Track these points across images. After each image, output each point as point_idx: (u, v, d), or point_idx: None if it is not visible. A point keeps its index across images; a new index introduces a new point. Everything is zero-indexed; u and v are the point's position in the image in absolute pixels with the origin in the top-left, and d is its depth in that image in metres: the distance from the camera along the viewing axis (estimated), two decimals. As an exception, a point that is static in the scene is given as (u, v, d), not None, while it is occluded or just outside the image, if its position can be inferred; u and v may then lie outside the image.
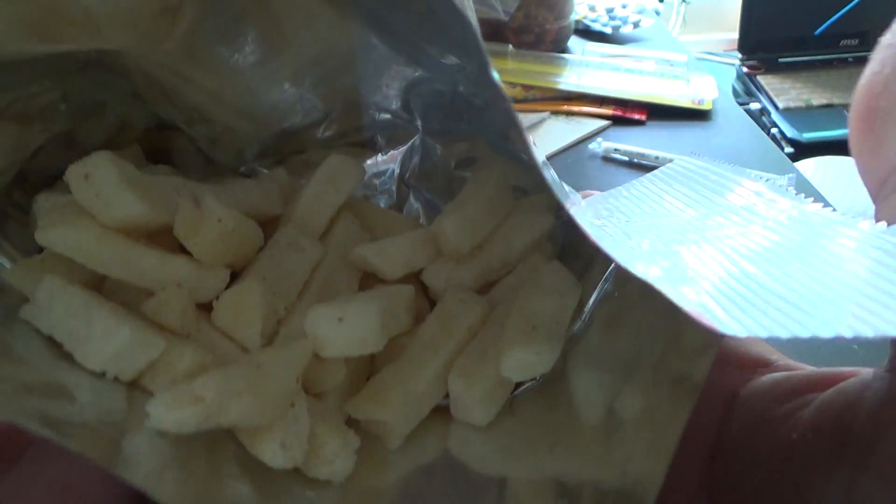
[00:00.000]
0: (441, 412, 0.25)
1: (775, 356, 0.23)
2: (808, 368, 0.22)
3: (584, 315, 0.27)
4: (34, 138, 0.27)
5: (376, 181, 0.36)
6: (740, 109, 0.82)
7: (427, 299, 0.29)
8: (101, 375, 0.21)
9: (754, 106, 1.11)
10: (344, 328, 0.23)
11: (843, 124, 1.01)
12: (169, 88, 0.29)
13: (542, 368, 0.24)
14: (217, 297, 0.25)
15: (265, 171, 0.34)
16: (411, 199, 0.35)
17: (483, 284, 0.29)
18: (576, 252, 0.30)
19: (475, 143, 0.34)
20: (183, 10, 0.25)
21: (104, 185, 0.22)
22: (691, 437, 0.23)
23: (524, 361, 0.24)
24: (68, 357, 0.22)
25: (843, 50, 1.13)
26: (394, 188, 0.35)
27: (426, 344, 0.25)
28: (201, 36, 0.27)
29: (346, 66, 0.31)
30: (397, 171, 0.36)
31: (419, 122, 0.35)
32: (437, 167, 0.35)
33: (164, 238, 0.25)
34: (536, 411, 0.25)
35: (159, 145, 0.33)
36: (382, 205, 0.35)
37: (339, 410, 0.25)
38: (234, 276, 0.26)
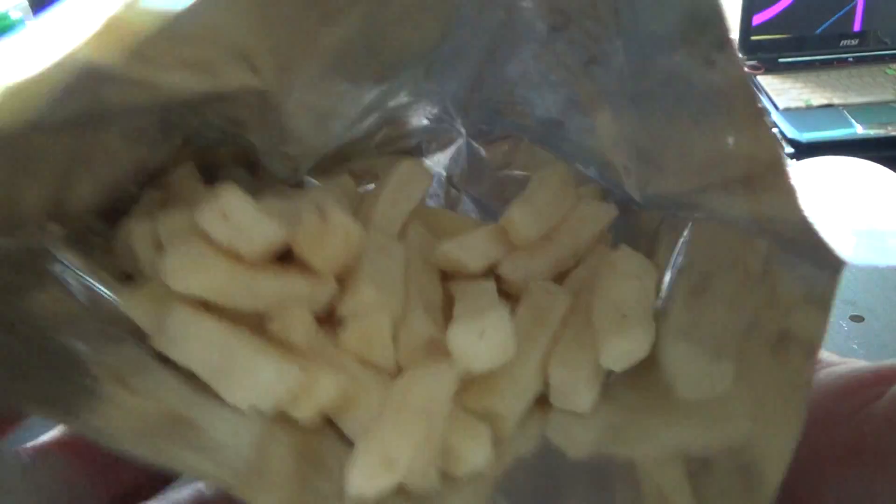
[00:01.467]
0: (536, 402, 0.26)
1: (821, 353, 0.22)
2: (864, 363, 0.20)
3: (663, 292, 0.27)
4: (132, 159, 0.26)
5: None
6: (741, 110, 0.82)
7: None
8: (241, 410, 0.22)
9: (755, 106, 1.11)
10: (486, 342, 0.23)
11: (843, 124, 1.01)
12: (280, 113, 0.28)
13: (642, 353, 0.25)
14: (336, 312, 0.25)
15: (313, 181, 0.34)
16: (463, 202, 0.36)
17: (556, 275, 0.30)
18: (636, 234, 0.30)
19: (518, 142, 0.35)
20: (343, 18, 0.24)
21: (243, 219, 0.23)
22: None
23: (623, 350, 0.25)
24: (205, 388, 0.22)
25: (843, 50, 1.13)
26: (442, 192, 0.36)
27: (524, 335, 0.26)
28: (339, 61, 0.26)
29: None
30: (444, 175, 0.36)
31: (461, 125, 0.35)
32: (483, 169, 0.35)
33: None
34: (632, 392, 0.25)
35: (203, 160, 0.32)
36: None
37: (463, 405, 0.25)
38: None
